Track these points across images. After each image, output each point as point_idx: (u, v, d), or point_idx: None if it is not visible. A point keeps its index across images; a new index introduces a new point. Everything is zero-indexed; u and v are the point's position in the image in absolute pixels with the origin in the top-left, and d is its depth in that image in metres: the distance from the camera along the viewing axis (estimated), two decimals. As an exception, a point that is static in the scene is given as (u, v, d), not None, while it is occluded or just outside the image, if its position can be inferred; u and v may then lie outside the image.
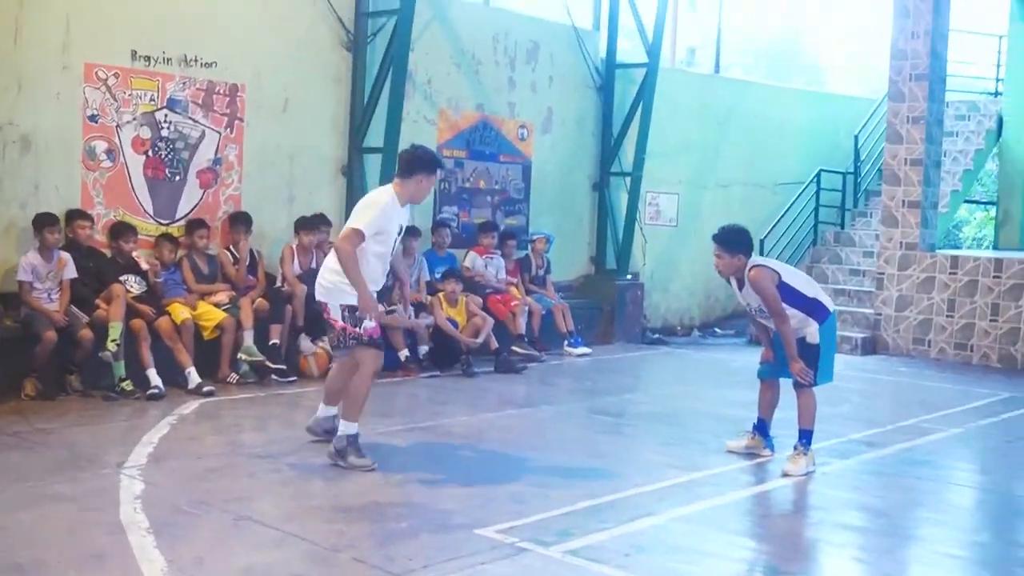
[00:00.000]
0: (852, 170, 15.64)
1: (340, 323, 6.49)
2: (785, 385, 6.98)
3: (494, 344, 10.65)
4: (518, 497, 5.86)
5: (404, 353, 10.06)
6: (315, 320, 9.79)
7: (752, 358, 12.25)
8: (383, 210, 6.42)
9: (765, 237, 14.07)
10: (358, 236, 6.30)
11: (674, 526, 5.53)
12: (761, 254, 13.94)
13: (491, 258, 11.72)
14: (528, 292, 12.09)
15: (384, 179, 10.55)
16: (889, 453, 7.42)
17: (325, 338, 9.94)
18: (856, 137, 15.54)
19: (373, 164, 10.71)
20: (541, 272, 12.40)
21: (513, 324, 11.41)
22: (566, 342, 11.96)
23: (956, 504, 6.39)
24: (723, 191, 14.95)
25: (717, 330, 14.66)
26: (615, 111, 13.51)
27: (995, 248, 15.94)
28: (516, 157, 12.61)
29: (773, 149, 15.57)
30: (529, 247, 12.40)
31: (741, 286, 6.87)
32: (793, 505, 6.19)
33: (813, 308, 6.71)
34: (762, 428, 7.22)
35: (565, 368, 11.16)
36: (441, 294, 10.63)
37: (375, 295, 6.55)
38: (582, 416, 8.43)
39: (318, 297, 6.62)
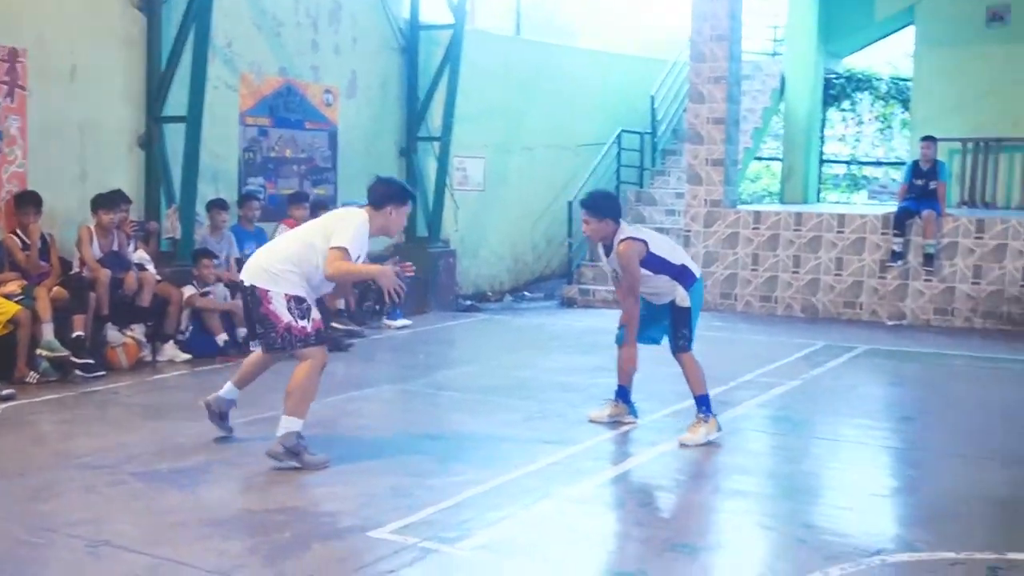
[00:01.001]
0: (650, 130, 15.83)
1: (284, 319, 5.90)
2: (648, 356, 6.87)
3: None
4: (401, 491, 5.45)
5: (223, 337, 9.36)
6: (122, 307, 8.97)
7: (568, 320, 12.37)
8: (360, 229, 5.90)
9: (573, 199, 14.03)
10: (345, 254, 5.74)
11: (572, 508, 5.28)
12: (570, 216, 13.97)
13: (303, 231, 11.07)
14: (342, 265, 11.52)
15: (188, 151, 9.75)
16: (745, 412, 7.45)
17: (134, 327, 9.14)
18: (653, 97, 15.74)
19: (174, 135, 9.85)
20: (355, 243, 11.84)
21: (330, 299, 10.84)
22: (384, 316, 11.50)
23: (834, 457, 6.44)
24: (528, 154, 14.81)
25: (527, 294, 14.57)
26: (421, 74, 13.07)
27: (781, 202, 16.59)
28: (322, 123, 11.97)
29: (574, 111, 15.54)
30: (341, 218, 11.80)
31: (607, 252, 6.72)
32: (680, 474, 6.04)
33: (680, 274, 6.64)
34: (623, 394, 7.07)
35: (389, 342, 10.72)
36: (257, 272, 9.92)
37: (314, 303, 6.07)
38: (428, 394, 8.06)
39: (258, 283, 5.94)
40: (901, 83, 18.53)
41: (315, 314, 6.06)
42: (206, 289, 9.52)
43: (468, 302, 13.48)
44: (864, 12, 16.28)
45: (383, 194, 6.10)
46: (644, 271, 6.52)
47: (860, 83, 18.86)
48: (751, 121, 16.07)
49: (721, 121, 13.06)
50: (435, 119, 13.12)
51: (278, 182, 11.49)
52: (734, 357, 9.91)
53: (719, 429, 6.57)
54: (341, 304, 10.83)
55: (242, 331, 9.57)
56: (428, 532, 4.81)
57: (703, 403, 6.64)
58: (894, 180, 19.20)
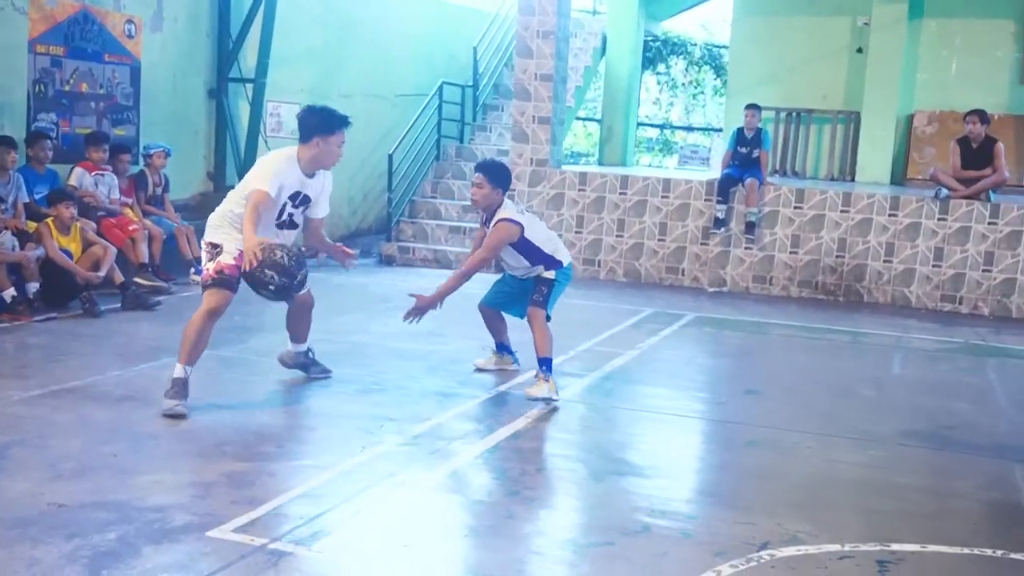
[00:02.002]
0: (471, 83, 15.35)
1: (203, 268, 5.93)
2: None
3: (119, 277, 9.15)
4: (238, 479, 4.84)
5: (10, 293, 8.31)
6: None
7: (391, 279, 11.81)
8: (273, 165, 5.93)
9: (393, 152, 13.43)
10: (257, 196, 5.75)
11: (433, 497, 4.82)
12: (390, 170, 13.37)
13: (102, 175, 10.04)
14: (145, 214, 10.56)
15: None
16: (591, 383, 7.17)
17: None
18: (475, 49, 15.24)
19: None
20: (159, 191, 10.88)
21: (134, 252, 9.92)
22: (193, 270, 10.60)
23: (692, 438, 6.24)
24: (345, 101, 13.97)
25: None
26: (233, 10, 12.09)
27: (599, 164, 16.49)
28: (123, 57, 10.86)
29: (394, 59, 14.87)
30: (144, 162, 10.80)
31: (486, 221, 6.75)
32: (539, 457, 5.67)
33: (547, 261, 6.74)
34: (503, 347, 7.26)
35: (198, 300, 9.79)
36: (50, 219, 8.89)
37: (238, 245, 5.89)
38: (251, 362, 7.37)
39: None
40: (715, 49, 18.78)
41: (225, 257, 5.87)
42: (-10, 238, 8.44)
43: (280, 257, 12.67)
44: (686, -25, 16.31)
45: (307, 124, 5.99)
46: (511, 250, 6.63)
47: (675, 47, 19.00)
48: (572, 80, 15.81)
49: (549, 78, 12.72)
50: (248, 60, 12.21)
51: (73, 120, 10.35)
52: (565, 323, 9.59)
53: (557, 393, 6.55)
54: (146, 257, 9.91)
55: (33, 286, 8.57)
56: (276, 530, 4.24)
57: (545, 363, 6.60)
58: (704, 146, 19.53)
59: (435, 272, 12.48)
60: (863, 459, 5.78)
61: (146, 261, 9.94)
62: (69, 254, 8.87)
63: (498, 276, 7.32)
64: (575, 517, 4.68)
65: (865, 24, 14.88)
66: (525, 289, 6.80)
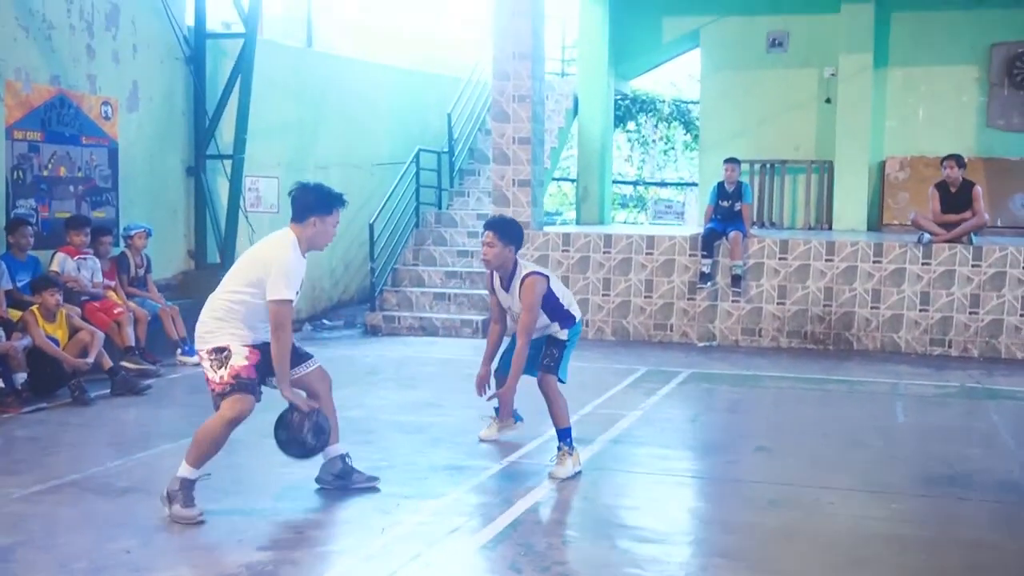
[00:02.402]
0: (447, 150, 15.37)
1: (209, 377, 5.48)
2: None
3: (107, 362, 8.96)
4: (260, 571, 4.69)
5: (-3, 385, 8.12)
6: None
7: (378, 350, 11.67)
8: (293, 264, 5.45)
9: (374, 221, 13.37)
10: (285, 308, 5.40)
11: (463, 579, 4.68)
12: (371, 240, 13.29)
13: (84, 259, 9.88)
14: (129, 296, 10.39)
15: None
16: (602, 449, 7.06)
17: None
18: (449, 115, 15.29)
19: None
20: (141, 272, 10.72)
21: (119, 336, 9.73)
22: (179, 350, 10.44)
23: (717, 499, 6.15)
24: (322, 173, 13.94)
25: (326, 322, 13.74)
26: (208, 86, 12.06)
27: (577, 223, 16.50)
28: (101, 139, 10.77)
29: (369, 128, 14.88)
30: (124, 243, 10.67)
31: (505, 284, 6.44)
32: (570, 529, 5.55)
33: (564, 318, 6.54)
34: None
35: (188, 381, 9.66)
36: (35, 307, 8.71)
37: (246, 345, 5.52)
38: (252, 443, 7.15)
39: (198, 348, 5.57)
40: (683, 105, 18.96)
41: (237, 359, 5.42)
42: (-26, 330, 8.24)
43: (264, 332, 12.52)
44: (652, 34, 16.44)
45: (303, 204, 5.62)
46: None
47: (644, 105, 19.16)
48: (547, 141, 15.86)
49: (527, 141, 12.77)
50: (225, 135, 12.15)
51: (52, 204, 10.22)
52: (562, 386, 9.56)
53: (580, 463, 6.40)
54: (132, 340, 9.73)
55: (20, 376, 8.37)
56: (309, 623, 4.09)
57: (566, 436, 6.43)
58: (678, 201, 19.65)
59: (422, 340, 12.42)
60: (887, 513, 5.70)
61: (132, 344, 9.76)
62: (56, 341, 8.69)
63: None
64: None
65: (832, 75, 15.08)
66: (537, 347, 6.54)
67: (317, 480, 5.99)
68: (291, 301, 5.41)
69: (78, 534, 5.19)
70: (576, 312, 6.61)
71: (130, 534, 5.18)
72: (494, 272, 6.49)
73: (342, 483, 5.93)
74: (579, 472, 6.34)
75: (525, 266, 6.43)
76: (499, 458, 6.74)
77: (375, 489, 5.92)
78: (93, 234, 10.08)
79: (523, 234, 6.56)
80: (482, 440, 7.08)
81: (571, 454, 6.35)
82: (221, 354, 5.42)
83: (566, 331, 6.53)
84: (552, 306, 6.42)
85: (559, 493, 6.04)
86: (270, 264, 5.41)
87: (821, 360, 11.02)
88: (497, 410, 6.94)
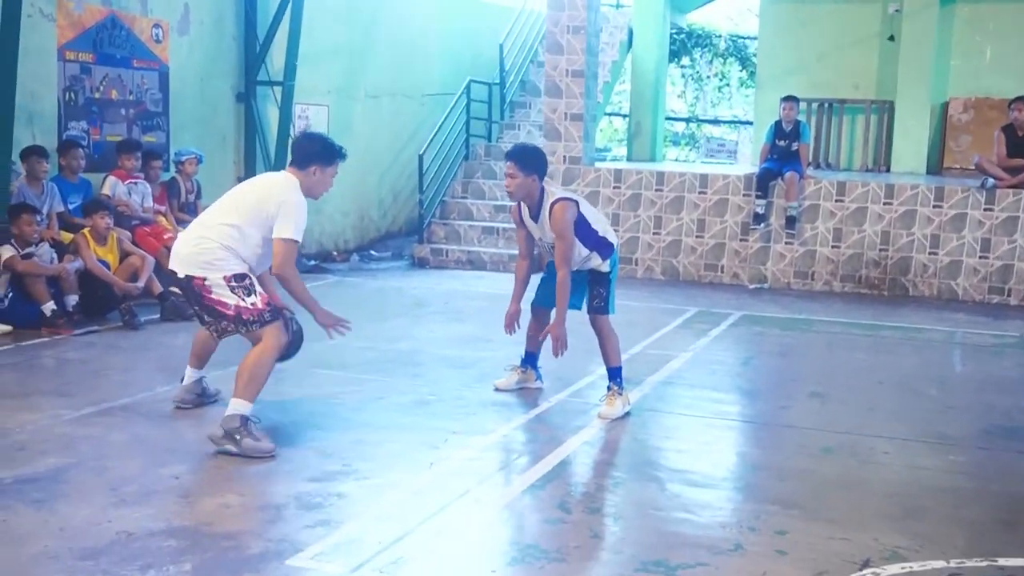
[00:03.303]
0: (498, 81, 15.14)
1: (232, 303, 5.40)
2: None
3: (157, 287, 8.99)
4: (307, 501, 4.66)
5: (50, 306, 8.16)
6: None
7: (427, 283, 11.61)
8: (302, 207, 5.48)
9: (423, 152, 13.24)
10: (293, 249, 5.44)
11: (514, 517, 4.63)
12: (420, 171, 13.17)
13: (135, 183, 9.88)
14: (179, 222, 10.37)
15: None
16: (652, 391, 6.95)
17: None
18: (501, 46, 15.03)
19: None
20: (192, 198, 10.70)
21: (169, 261, 9.71)
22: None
23: (771, 445, 6.03)
24: (373, 102, 13.86)
25: (374, 253, 13.70)
26: (259, 11, 11.91)
27: (629, 160, 16.25)
28: (152, 62, 10.69)
29: (419, 57, 14.67)
30: (175, 168, 10.63)
31: (533, 214, 6.21)
32: (619, 470, 5.49)
33: (599, 244, 6.26)
34: (531, 359, 6.78)
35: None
36: (87, 230, 8.74)
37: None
38: (301, 372, 7.14)
39: (192, 273, 5.45)
40: (740, 41, 18.51)
41: (259, 287, 5.48)
42: (28, 250, 8.26)
43: (312, 262, 12.52)
44: (711, -34, 16.05)
45: (307, 152, 5.61)
46: None
47: (700, 39, 18.73)
48: (600, 75, 15.57)
49: (580, 74, 12.50)
50: (275, 61, 12.02)
51: (104, 127, 10.19)
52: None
53: (630, 403, 6.33)
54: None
55: (72, 299, 8.42)
56: (357, 557, 4.06)
57: (616, 375, 6.33)
58: (731, 140, 19.29)
59: (469, 274, 12.34)
60: (946, 464, 5.56)
61: (181, 270, 9.75)
62: (107, 265, 8.72)
63: (543, 274, 6.69)
64: (661, 535, 4.46)
65: (896, 11, 14.60)
66: (580, 280, 6.31)
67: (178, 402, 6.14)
68: (295, 242, 5.45)
69: (128, 458, 5.20)
70: (613, 238, 6.33)
71: (179, 460, 5.19)
72: (520, 203, 6.26)
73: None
74: (628, 413, 6.26)
75: (552, 192, 6.17)
76: (548, 396, 6.67)
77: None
78: (144, 158, 10.06)
79: (546, 161, 6.30)
80: (497, 389, 6.71)
81: (621, 394, 6.26)
82: (244, 280, 5.44)
83: (607, 261, 6.27)
84: (585, 232, 6.14)
85: (608, 433, 5.96)
86: (281, 204, 5.42)
87: (876, 306, 10.80)
88: (523, 358, 6.79)
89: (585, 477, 5.14)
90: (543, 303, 6.55)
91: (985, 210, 11.16)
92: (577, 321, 6.40)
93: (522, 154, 6.13)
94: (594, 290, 6.37)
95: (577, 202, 6.15)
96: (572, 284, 6.21)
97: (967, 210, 11.21)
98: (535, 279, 6.55)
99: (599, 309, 6.34)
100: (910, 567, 4.15)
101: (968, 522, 4.71)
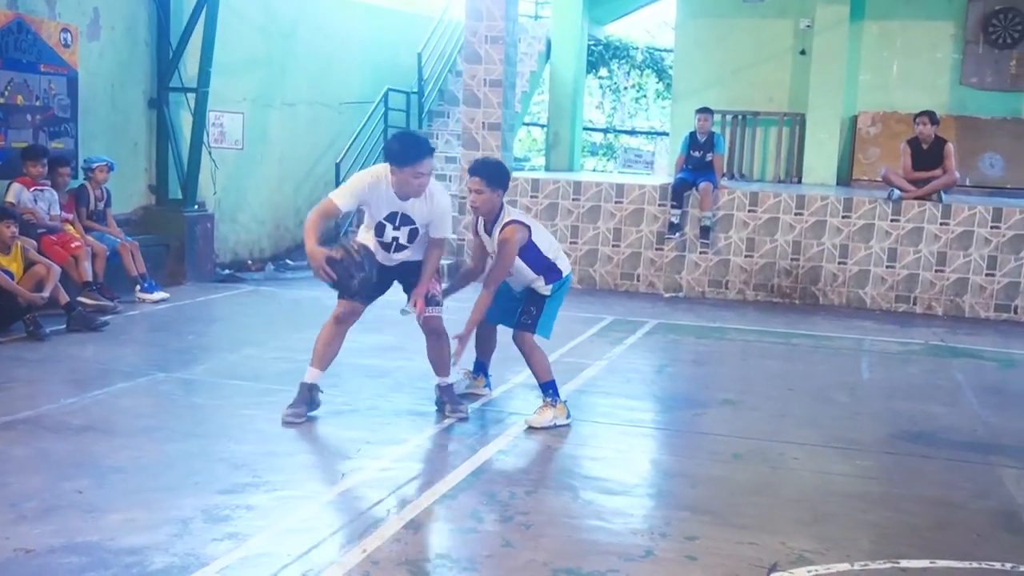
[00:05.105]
0: (416, 90, 15.10)
1: None
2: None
3: (64, 297, 8.75)
4: (215, 514, 4.56)
5: (-51, 317, 7.90)
6: None
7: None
8: (353, 182, 6.01)
9: (340, 161, 13.14)
10: (328, 204, 5.94)
11: (428, 527, 4.59)
12: (337, 180, 13.06)
13: (41, 191, 9.61)
14: (87, 230, 10.15)
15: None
16: (567, 397, 6.82)
17: None
18: (420, 55, 15.00)
19: None
20: (101, 206, 10.47)
21: (76, 270, 9.51)
22: (138, 287, 10.24)
23: (683, 452, 6.09)
24: (290, 110, 13.72)
25: (290, 262, 13.54)
26: (172, 17, 11.71)
27: (547, 170, 16.33)
28: (60, 67, 10.42)
29: (337, 66, 14.56)
30: (85, 176, 10.39)
31: (487, 228, 6.23)
32: (532, 478, 5.47)
33: (548, 269, 6.28)
34: (481, 367, 6.86)
35: (147, 318, 9.51)
36: (-11, 239, 8.48)
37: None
38: (212, 384, 7.05)
39: None
40: (656, 53, 18.73)
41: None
42: (-73, 260, 8.00)
43: (227, 271, 12.34)
44: (629, -22, 16.23)
45: (386, 151, 6.05)
46: (516, 258, 6.09)
47: (617, 51, 18.91)
48: (519, 85, 15.62)
49: (498, 84, 12.55)
50: (189, 68, 11.83)
51: (8, 134, 9.90)
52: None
53: (568, 416, 6.29)
54: (89, 275, 9.51)
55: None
56: (265, 570, 3.99)
57: (548, 388, 6.31)
58: (648, 151, 19.51)
59: (387, 283, 12.24)
60: (853, 469, 5.68)
61: (90, 279, 9.54)
62: (10, 275, 8.46)
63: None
64: (574, 543, 4.47)
65: (808, 26, 14.94)
66: (518, 301, 6.38)
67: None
68: (331, 200, 5.92)
69: (30, 473, 5.05)
70: (563, 266, 6.35)
71: (84, 474, 5.05)
72: (483, 216, 6.24)
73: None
74: (560, 424, 6.21)
75: (509, 212, 6.19)
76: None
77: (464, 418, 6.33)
78: (51, 165, 9.80)
79: (509, 176, 6.34)
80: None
81: (554, 405, 6.23)
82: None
83: (550, 286, 6.29)
84: (534, 257, 6.17)
85: (522, 442, 5.97)
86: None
87: (787, 314, 11.01)
88: (476, 364, 6.85)
89: (499, 486, 5.12)
90: (491, 318, 6.52)
91: (892, 221, 11.45)
92: (501, 331, 6.44)
93: (488, 170, 6.11)
94: (526, 307, 6.33)
95: (530, 228, 6.15)
96: (511, 303, 6.35)
97: (875, 221, 11.50)
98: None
99: (524, 325, 6.29)
100: (816, 570, 4.22)
101: (874, 525, 4.81)
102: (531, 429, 6.13)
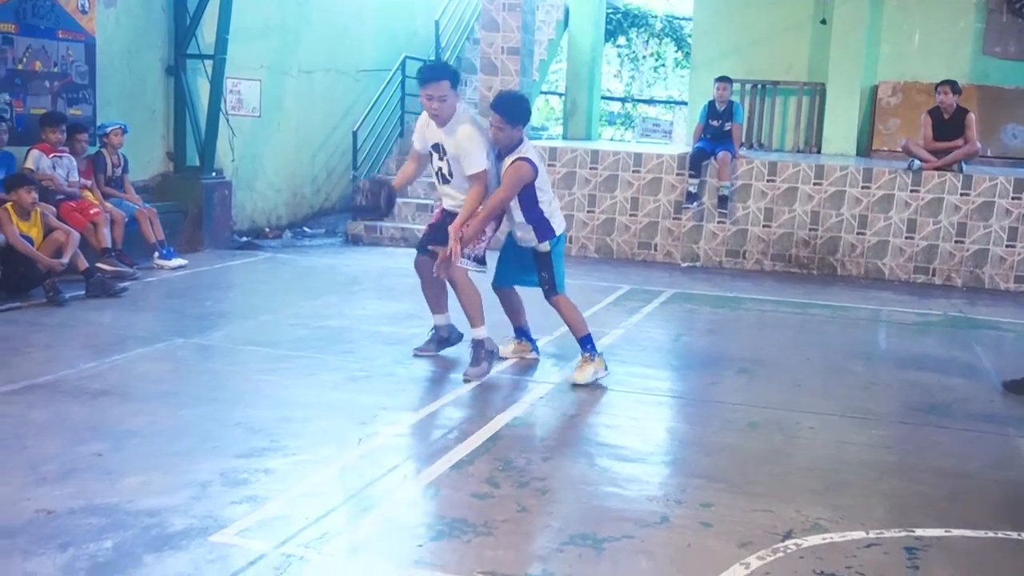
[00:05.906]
0: (434, 58, 15.01)
1: None
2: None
3: (83, 263, 8.80)
4: (232, 477, 4.60)
5: (-31, 282, 7.96)
6: None
7: (360, 260, 11.53)
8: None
9: (357, 129, 13.13)
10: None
11: (445, 492, 4.61)
12: (354, 147, 13.06)
13: (59, 157, 9.65)
14: (106, 197, 10.18)
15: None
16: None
17: None
18: (437, 23, 14.92)
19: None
20: (119, 172, 10.50)
21: (95, 237, 9.55)
22: (156, 254, 10.28)
23: (700, 420, 6.10)
24: (306, 77, 13.68)
25: (307, 230, 13.56)
26: (189, -17, 11.68)
27: (564, 139, 16.25)
28: (77, 34, 10.42)
29: (354, 33, 14.50)
30: (101, 142, 10.41)
31: (500, 156, 6.33)
32: (547, 445, 5.49)
33: (539, 223, 6.33)
34: (521, 332, 6.93)
35: (165, 285, 9.56)
36: (9, 204, 8.51)
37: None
38: (229, 350, 7.09)
39: None
40: (675, 21, 18.57)
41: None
42: (-54, 225, 8.05)
43: (244, 239, 12.37)
44: (648, -53, 16.06)
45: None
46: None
47: (636, 19, 18.76)
48: (536, 53, 15.53)
49: (516, 51, 12.51)
50: (206, 35, 11.80)
51: (27, 100, 9.92)
52: (545, 303, 9.47)
53: (606, 368, 6.47)
54: (108, 241, 9.55)
55: None
56: (283, 533, 4.02)
57: (586, 343, 6.46)
58: (666, 120, 19.39)
59: (403, 251, 12.23)
60: (869, 439, 5.67)
61: (108, 246, 9.58)
62: (30, 240, 8.52)
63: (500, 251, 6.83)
64: (590, 509, 4.49)
65: (829, -5, 14.76)
66: (529, 257, 6.50)
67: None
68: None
69: (49, 436, 5.10)
70: (557, 226, 6.42)
71: (102, 437, 5.09)
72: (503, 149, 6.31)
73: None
74: (599, 379, 6.44)
75: (525, 148, 6.24)
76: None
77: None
78: (69, 132, 9.83)
79: (530, 110, 6.47)
80: (502, 356, 6.86)
81: (593, 360, 6.38)
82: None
83: (546, 243, 6.38)
84: (528, 202, 6.24)
85: (538, 409, 5.98)
86: None
87: (805, 284, 10.97)
88: (516, 330, 6.90)
89: (514, 452, 5.14)
90: (502, 282, 6.69)
91: (911, 191, 11.36)
92: (530, 294, 6.67)
93: (507, 107, 6.16)
94: (540, 275, 6.50)
95: (537, 173, 6.21)
96: (521, 262, 6.53)
97: (894, 191, 11.41)
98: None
99: (549, 292, 6.51)
100: (830, 537, 4.23)
101: (889, 494, 4.81)
102: (576, 386, 6.30)
